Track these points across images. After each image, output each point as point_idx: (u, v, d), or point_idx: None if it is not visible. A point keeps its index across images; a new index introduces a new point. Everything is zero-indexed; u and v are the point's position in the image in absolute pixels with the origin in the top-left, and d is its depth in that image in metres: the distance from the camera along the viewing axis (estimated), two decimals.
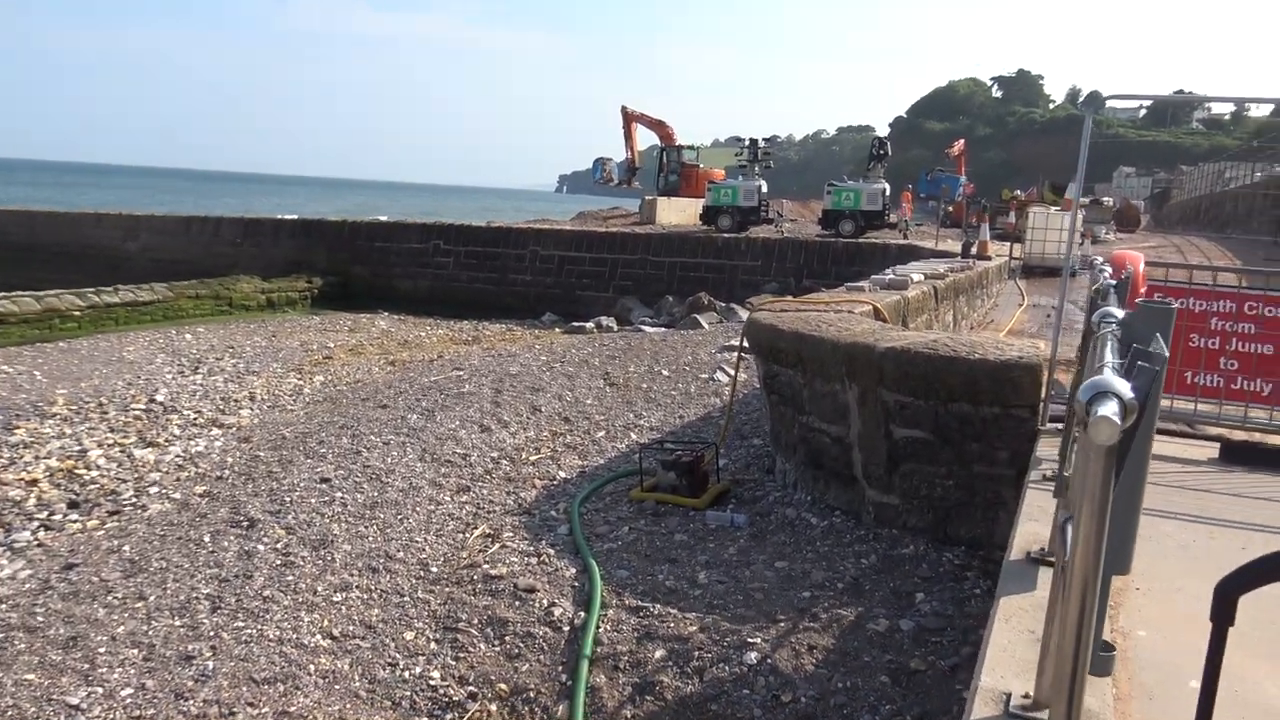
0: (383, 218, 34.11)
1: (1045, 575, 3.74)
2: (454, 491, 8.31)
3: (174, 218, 31.72)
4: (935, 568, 6.40)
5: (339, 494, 8.14)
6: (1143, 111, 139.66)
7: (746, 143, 31.23)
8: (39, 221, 31.69)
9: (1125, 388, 1.39)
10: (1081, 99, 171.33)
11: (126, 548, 7.25)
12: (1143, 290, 5.17)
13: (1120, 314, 2.50)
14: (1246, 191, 35.82)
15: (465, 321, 23.29)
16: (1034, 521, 4.43)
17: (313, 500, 7.99)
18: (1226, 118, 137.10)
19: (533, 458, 9.40)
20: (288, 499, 8.05)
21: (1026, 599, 3.52)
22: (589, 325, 21.38)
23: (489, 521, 7.58)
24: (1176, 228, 45.12)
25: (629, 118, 39.40)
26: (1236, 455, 5.81)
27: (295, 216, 32.48)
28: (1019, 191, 41.53)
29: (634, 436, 10.16)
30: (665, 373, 13.23)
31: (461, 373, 13.70)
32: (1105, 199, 37.86)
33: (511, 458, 9.37)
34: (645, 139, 41.25)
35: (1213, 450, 5.93)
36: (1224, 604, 1.28)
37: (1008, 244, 22.63)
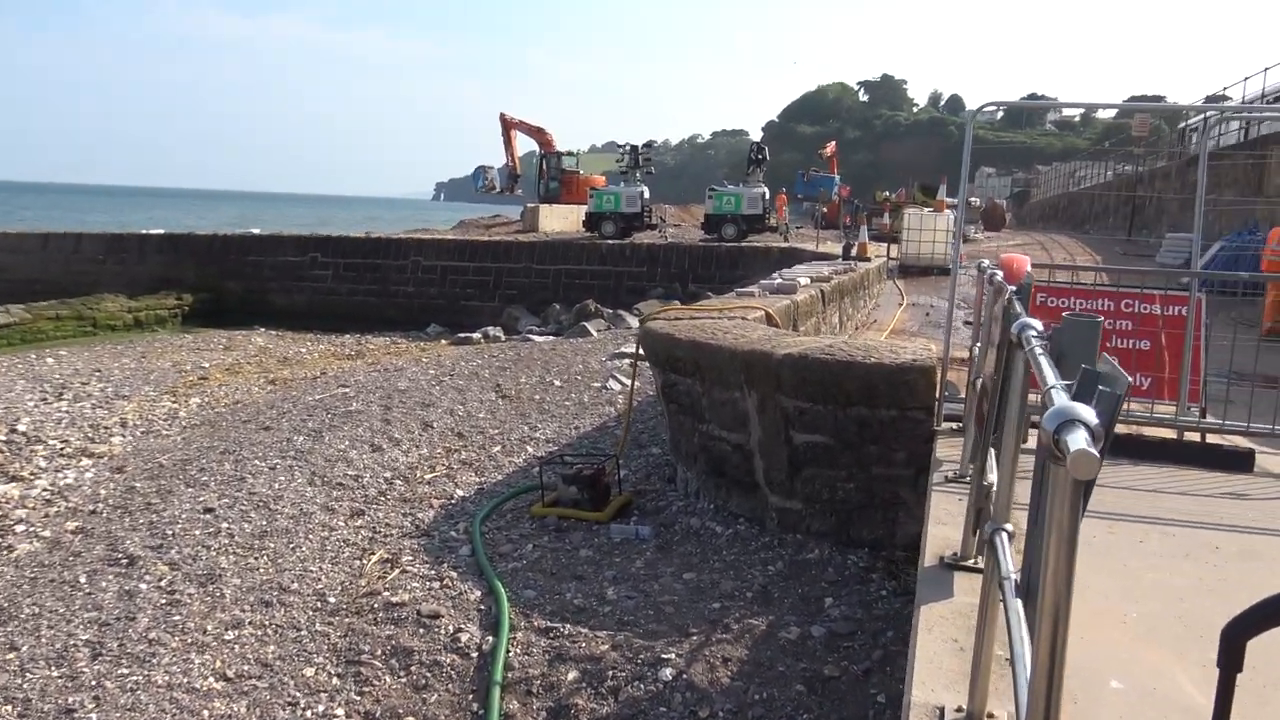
0: (256, 230, 33.02)
1: (961, 581, 3.79)
2: (348, 516, 8.03)
3: (30, 234, 30.02)
4: (841, 571, 6.46)
5: (225, 524, 7.76)
6: (1000, 114, 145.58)
7: (626, 148, 31.33)
8: None
9: (1091, 415, 1.37)
10: (943, 102, 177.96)
11: None
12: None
13: (1040, 325, 2.52)
14: (1101, 192, 37.68)
15: (347, 335, 22.71)
16: (943, 525, 4.50)
17: (197, 532, 7.61)
18: (1076, 119, 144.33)
19: (428, 476, 9.17)
20: (169, 532, 7.65)
21: (946, 606, 3.56)
22: (476, 336, 21.11)
23: (386, 546, 7.34)
24: (1038, 225, 47.18)
25: (508, 125, 39.15)
26: (1120, 448, 6.01)
27: (162, 231, 31.15)
28: (889, 193, 42.74)
29: (530, 450, 10.02)
30: (557, 383, 13.12)
31: (348, 390, 13.32)
32: (973, 199, 39.26)
33: (406, 477, 9.12)
34: (524, 145, 41.06)
35: None
36: (1231, 649, 1.27)
37: (885, 245, 23.23)
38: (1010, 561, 2.43)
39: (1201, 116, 22.50)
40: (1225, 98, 31.90)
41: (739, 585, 6.31)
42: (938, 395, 6.51)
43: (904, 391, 6.42)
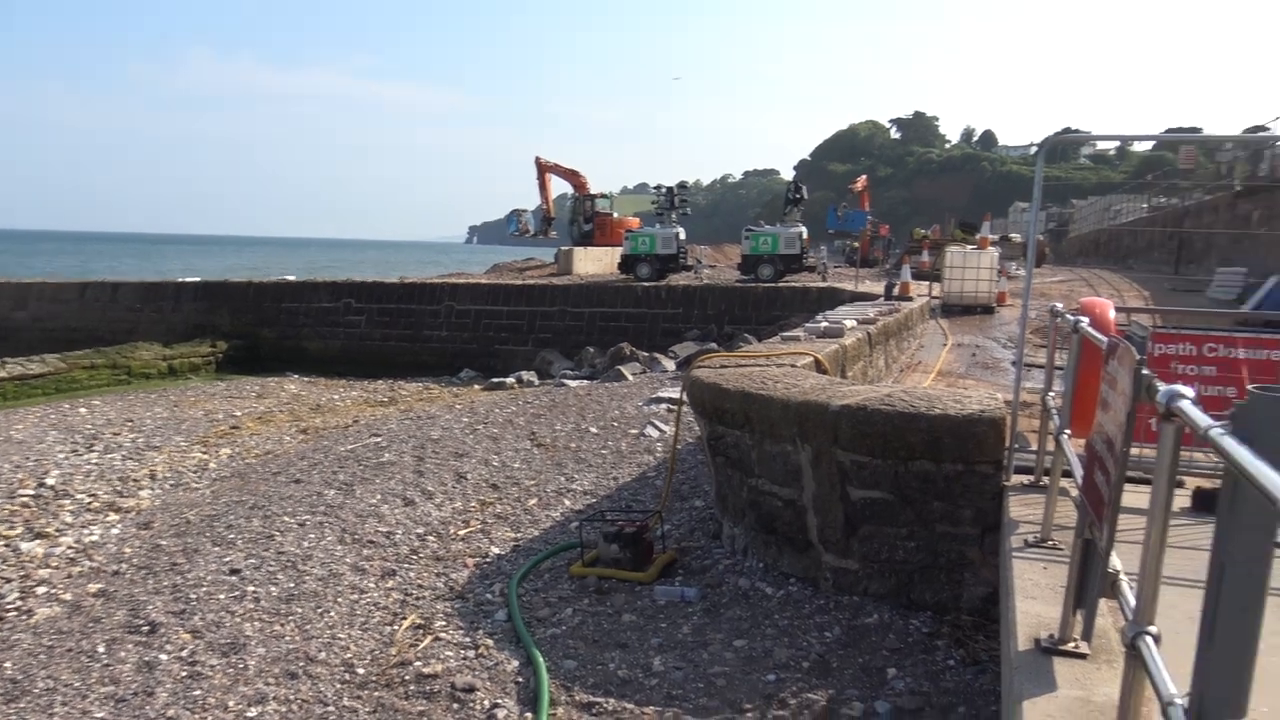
0: (290, 277, 33.10)
1: (1064, 669, 3.34)
2: (379, 577, 7.65)
3: (68, 283, 30.27)
4: (903, 637, 5.99)
5: (250, 587, 7.41)
6: (1033, 149, 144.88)
7: (661, 190, 31.15)
8: None
9: None
10: (975, 138, 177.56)
11: (8, 664, 6.42)
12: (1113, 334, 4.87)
13: (1192, 394, 2.11)
14: (1145, 226, 36.96)
15: (380, 381, 22.53)
16: (1032, 600, 4.05)
17: (221, 596, 7.26)
18: (1111, 153, 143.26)
19: (462, 532, 8.79)
20: (193, 596, 7.30)
21: (1051, 703, 3.11)
22: (510, 381, 20.83)
23: (419, 610, 6.95)
24: (1077, 260, 46.41)
25: (542, 168, 39.16)
26: (1210, 503, 5.53)
27: (197, 279, 31.28)
28: (925, 231, 42.30)
29: (568, 502, 9.63)
30: (594, 430, 12.75)
31: (380, 439, 13.02)
32: (1013, 235, 38.72)
33: (439, 533, 8.75)
34: (558, 188, 41.07)
35: (1185, 499, 5.66)
36: None
37: (925, 283, 22.78)
38: (1167, 678, 2.00)
39: None
40: (1265, 128, 31.27)
41: (794, 654, 5.86)
42: (1007, 448, 6.07)
43: (971, 444, 5.98)
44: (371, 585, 7.48)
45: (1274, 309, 13.97)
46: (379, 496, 9.81)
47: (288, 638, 6.51)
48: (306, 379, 23.30)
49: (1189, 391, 2.06)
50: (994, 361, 14.95)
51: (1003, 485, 5.99)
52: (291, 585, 7.44)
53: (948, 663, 5.70)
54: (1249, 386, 1.77)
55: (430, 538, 8.63)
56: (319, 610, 6.97)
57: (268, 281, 29.38)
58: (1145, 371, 2.51)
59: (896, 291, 19.16)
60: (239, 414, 17.36)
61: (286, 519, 9.16)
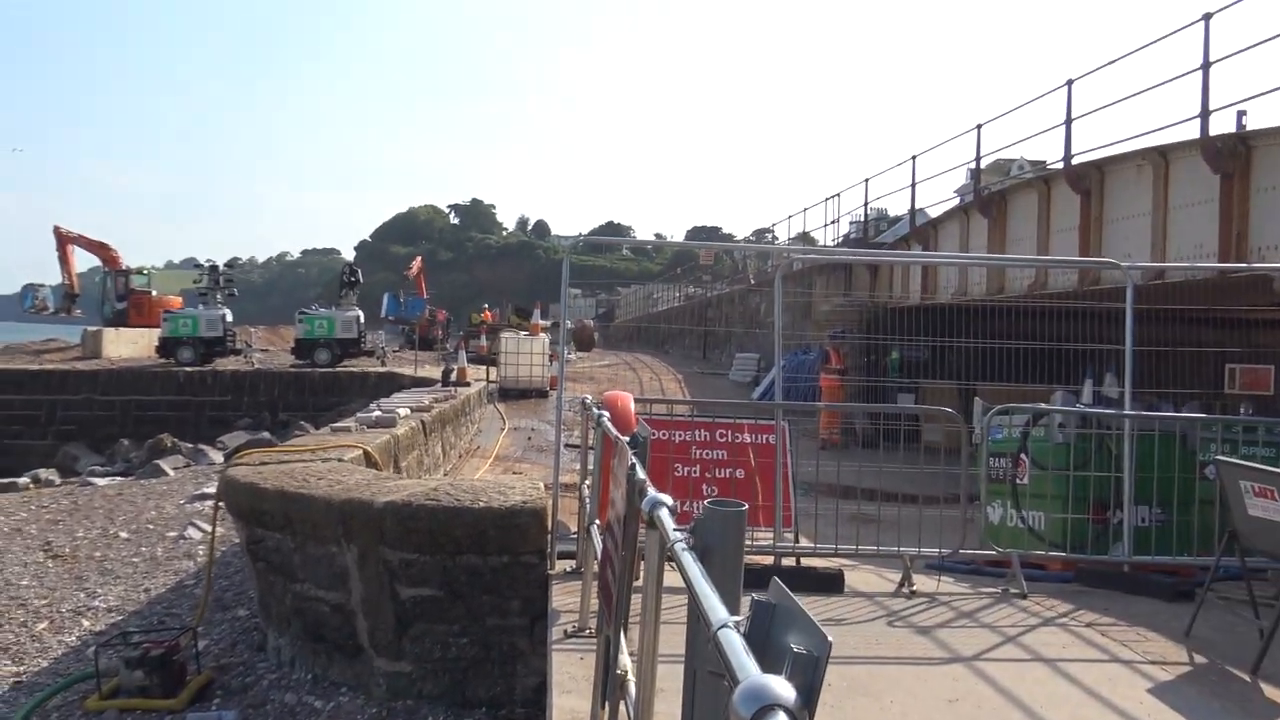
0: None
1: None
2: None
3: None
4: None
5: None
6: (581, 240, 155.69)
7: (206, 266, 29.25)
8: None
9: (790, 694, 1.12)
10: (530, 226, 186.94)
11: None
12: (635, 427, 5.27)
13: (671, 501, 2.32)
14: (676, 317, 40.83)
15: None
16: (568, 694, 4.20)
17: None
18: (649, 245, 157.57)
19: None
20: None
21: None
22: (23, 480, 18.19)
23: None
24: (623, 345, 50.15)
25: (63, 239, 35.05)
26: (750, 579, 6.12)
27: None
28: (486, 309, 43.54)
29: (86, 624, 8.54)
30: (124, 535, 11.50)
31: None
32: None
33: None
34: (86, 261, 37.02)
35: None
36: None
37: (484, 367, 23.34)
38: None
39: (787, 256, 25.15)
40: (770, 230, 36.21)
41: None
42: (549, 534, 6.31)
43: (515, 536, 6.16)
44: None
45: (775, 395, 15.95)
46: None
47: None
48: None
49: (669, 500, 2.25)
50: (548, 444, 15.61)
51: (547, 574, 6.21)
52: None
53: None
54: (705, 502, 1.99)
55: None
56: None
57: None
58: (639, 476, 2.71)
59: (454, 377, 19.44)
60: None
61: None
